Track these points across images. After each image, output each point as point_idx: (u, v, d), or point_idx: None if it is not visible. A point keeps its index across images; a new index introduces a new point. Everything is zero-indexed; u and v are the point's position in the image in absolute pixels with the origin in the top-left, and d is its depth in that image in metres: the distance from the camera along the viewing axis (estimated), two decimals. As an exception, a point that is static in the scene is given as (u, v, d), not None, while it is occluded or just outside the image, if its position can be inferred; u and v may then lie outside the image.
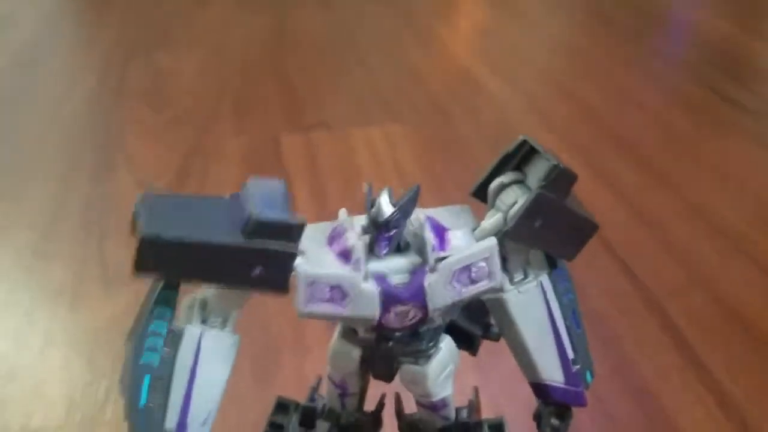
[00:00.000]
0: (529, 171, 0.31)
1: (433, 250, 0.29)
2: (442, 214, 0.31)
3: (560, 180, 0.30)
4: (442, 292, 0.29)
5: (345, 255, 0.29)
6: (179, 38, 1.36)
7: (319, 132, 0.99)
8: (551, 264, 0.33)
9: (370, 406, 0.37)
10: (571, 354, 0.33)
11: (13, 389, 0.57)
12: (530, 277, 0.32)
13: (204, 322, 0.29)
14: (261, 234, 0.27)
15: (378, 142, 0.96)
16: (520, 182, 0.31)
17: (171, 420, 0.28)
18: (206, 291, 0.30)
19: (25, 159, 0.94)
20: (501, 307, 0.32)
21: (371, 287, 0.28)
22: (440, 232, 0.30)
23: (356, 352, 0.32)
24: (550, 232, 0.30)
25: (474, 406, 0.36)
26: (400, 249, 0.29)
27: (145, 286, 0.30)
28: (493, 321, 0.35)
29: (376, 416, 0.36)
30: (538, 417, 0.35)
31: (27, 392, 0.56)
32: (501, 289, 0.31)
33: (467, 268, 0.29)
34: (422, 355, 0.32)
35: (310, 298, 0.28)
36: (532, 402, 0.35)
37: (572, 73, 1.23)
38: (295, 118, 1.03)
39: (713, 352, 0.60)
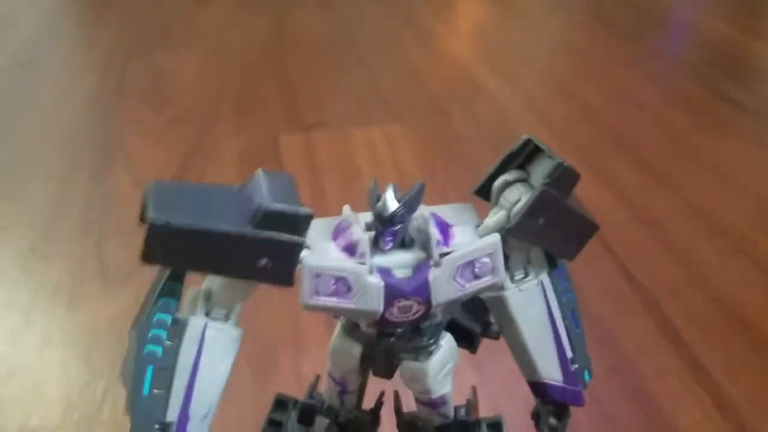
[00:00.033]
0: (532, 170, 0.31)
1: (438, 245, 0.29)
2: (445, 211, 0.32)
3: (564, 178, 0.30)
4: (446, 287, 0.29)
5: (350, 249, 0.29)
6: (179, 38, 1.36)
7: (318, 132, 0.99)
8: (551, 263, 0.33)
9: (369, 403, 0.37)
10: (569, 353, 0.33)
11: (11, 389, 0.57)
12: (531, 276, 0.32)
13: (208, 314, 0.30)
14: (269, 224, 0.27)
15: (377, 141, 0.96)
16: (523, 180, 0.31)
17: (172, 412, 0.28)
18: (211, 283, 0.30)
19: (25, 159, 0.94)
20: (501, 304, 0.32)
21: (376, 281, 0.28)
22: (444, 228, 0.30)
23: (357, 349, 0.32)
24: (553, 231, 0.31)
25: (472, 405, 0.36)
26: (404, 244, 0.30)
27: (145, 286, 0.30)
28: (492, 319, 0.35)
29: (375, 414, 0.36)
30: (536, 416, 0.35)
31: (25, 392, 0.56)
32: (502, 287, 0.31)
33: (471, 264, 0.29)
34: (423, 352, 0.32)
35: (315, 290, 0.28)
36: (530, 401, 0.35)
37: (572, 73, 1.23)
38: (294, 118, 1.03)
39: (712, 352, 0.60)
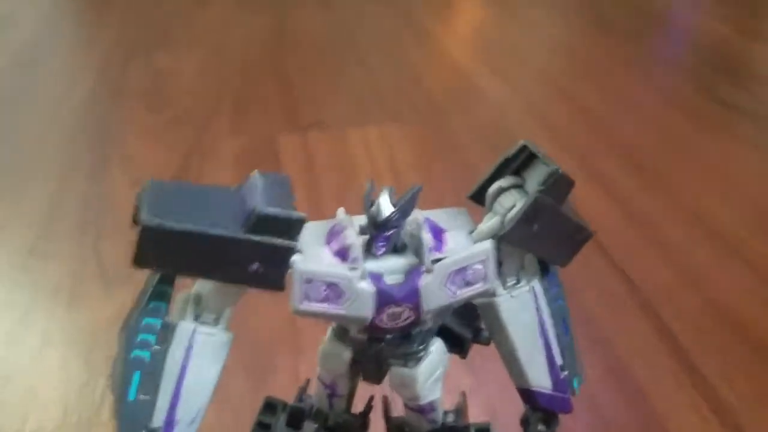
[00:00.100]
0: (527, 176, 0.31)
1: (430, 251, 0.29)
2: (439, 215, 0.32)
3: (558, 185, 0.30)
4: (437, 294, 0.29)
5: (342, 253, 0.29)
6: (179, 38, 1.36)
7: (316, 132, 0.99)
8: (544, 269, 0.33)
9: (358, 407, 0.37)
10: (559, 360, 0.33)
11: (9, 390, 0.56)
12: (523, 282, 0.32)
13: (197, 318, 0.29)
14: (262, 228, 0.27)
15: (375, 142, 0.96)
16: (518, 187, 0.31)
17: (158, 418, 0.28)
18: (201, 287, 0.30)
19: (24, 159, 0.94)
20: (492, 311, 0.32)
21: (367, 287, 0.28)
22: (437, 233, 0.30)
23: (347, 354, 0.32)
24: (547, 237, 0.31)
25: (461, 410, 0.36)
26: (396, 249, 0.30)
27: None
28: (483, 325, 0.36)
29: (364, 418, 0.36)
30: (525, 422, 0.35)
31: (23, 393, 0.56)
32: (494, 294, 0.31)
33: (463, 270, 0.29)
34: (412, 358, 0.32)
35: (305, 295, 0.28)
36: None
37: (571, 74, 1.23)
38: (293, 118, 1.04)
39: (708, 355, 0.60)
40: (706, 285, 0.69)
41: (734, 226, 0.79)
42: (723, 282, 0.70)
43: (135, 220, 0.26)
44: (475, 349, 0.37)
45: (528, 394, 0.34)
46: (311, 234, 0.30)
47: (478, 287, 0.30)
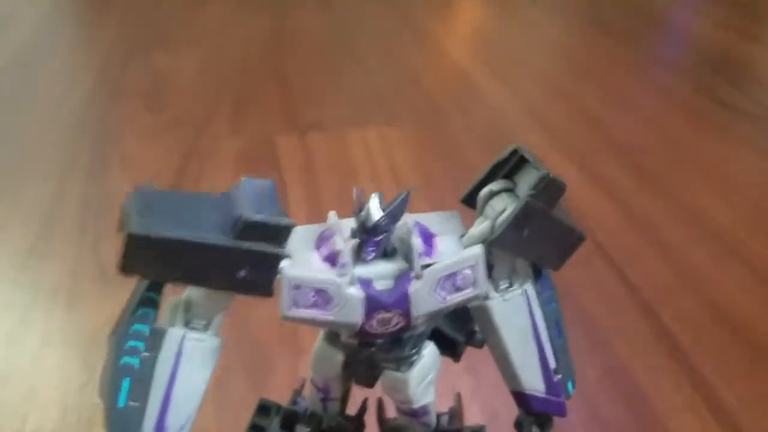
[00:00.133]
0: (519, 180, 0.31)
1: (420, 256, 0.29)
2: (430, 219, 0.31)
3: (549, 190, 0.30)
4: (427, 299, 0.29)
5: (332, 259, 0.29)
6: (178, 39, 1.36)
7: (315, 133, 0.99)
8: (536, 273, 0.33)
9: (352, 410, 0.37)
10: (553, 363, 0.33)
11: (8, 391, 0.56)
12: (515, 286, 0.32)
13: (187, 324, 0.29)
14: (249, 234, 0.27)
15: (374, 143, 0.96)
16: (509, 191, 0.31)
17: (148, 424, 0.28)
18: (191, 292, 0.30)
19: (24, 159, 0.94)
20: (485, 314, 0.32)
21: (356, 293, 0.28)
22: (428, 238, 0.30)
23: (339, 357, 0.32)
24: (538, 242, 0.31)
25: (456, 414, 0.36)
26: (386, 254, 0.29)
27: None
28: (477, 327, 0.36)
29: (358, 421, 0.36)
30: (518, 425, 0.35)
31: (22, 394, 0.56)
32: (486, 297, 0.31)
33: (452, 276, 0.29)
34: (404, 362, 0.32)
35: (294, 301, 0.28)
36: (523, 407, 0.35)
37: (570, 74, 1.23)
38: (291, 119, 1.04)
39: (706, 356, 0.60)
40: (705, 285, 0.69)
41: (733, 226, 0.79)
42: (722, 282, 0.70)
43: (120, 228, 0.26)
44: (475, 351, 0.37)
45: (522, 398, 0.34)
46: (301, 239, 0.29)
47: (467, 293, 0.30)
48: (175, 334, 0.29)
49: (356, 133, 0.99)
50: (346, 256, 0.28)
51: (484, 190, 0.31)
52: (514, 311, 0.32)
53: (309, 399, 0.35)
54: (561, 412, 0.34)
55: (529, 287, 0.33)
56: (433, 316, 0.30)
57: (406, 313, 0.29)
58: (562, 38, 1.45)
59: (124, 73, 1.20)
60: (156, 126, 1.02)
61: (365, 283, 0.28)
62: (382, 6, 1.55)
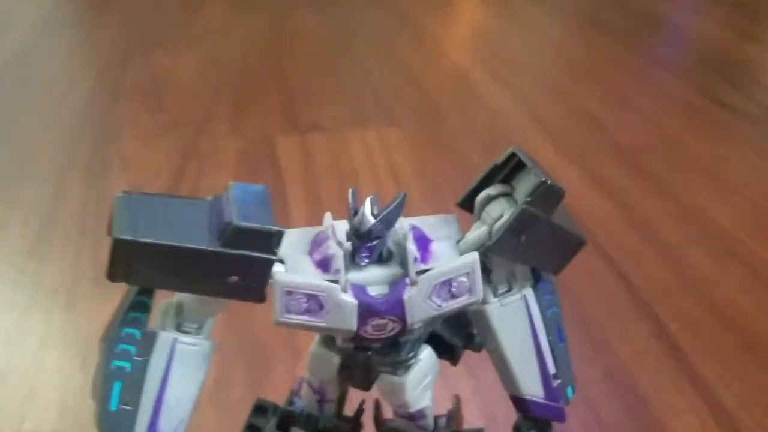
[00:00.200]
0: (517, 184, 0.30)
1: (415, 261, 0.28)
2: (427, 223, 0.31)
3: (547, 196, 0.29)
4: (422, 306, 0.28)
5: (324, 264, 0.28)
6: (178, 39, 1.36)
7: (314, 134, 0.99)
8: (536, 277, 0.33)
9: (349, 411, 0.37)
10: (552, 369, 0.33)
11: (5, 392, 0.56)
12: (514, 290, 0.32)
13: (179, 327, 0.29)
14: (239, 241, 0.26)
15: (373, 144, 0.96)
16: (507, 195, 0.30)
17: (140, 428, 0.28)
18: (182, 296, 0.29)
19: (24, 159, 0.94)
20: (483, 319, 0.32)
21: (349, 299, 0.28)
22: (424, 243, 0.30)
23: (335, 360, 0.32)
24: (535, 247, 0.30)
25: (454, 416, 0.36)
26: (382, 258, 0.29)
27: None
28: (476, 331, 0.35)
29: (355, 422, 0.36)
30: (517, 430, 0.35)
31: (20, 396, 0.56)
32: (484, 301, 0.31)
33: (448, 283, 0.29)
34: (401, 366, 0.32)
35: (286, 307, 0.28)
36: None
37: (570, 75, 1.23)
38: (290, 120, 1.03)
39: (706, 357, 0.60)
40: (705, 286, 0.69)
41: (733, 226, 0.78)
42: (722, 283, 0.70)
43: (110, 233, 0.26)
44: (474, 353, 0.37)
45: (520, 403, 0.33)
46: (294, 243, 0.29)
47: (463, 300, 0.29)
48: (166, 337, 0.29)
49: (356, 134, 0.99)
50: (339, 262, 0.28)
51: (482, 195, 0.31)
52: (513, 316, 0.32)
53: (305, 400, 0.35)
54: (560, 417, 0.34)
55: (529, 292, 0.32)
56: (429, 321, 0.30)
57: (401, 319, 0.29)
58: (561, 38, 1.45)
59: (124, 74, 1.20)
60: (156, 126, 1.02)
61: (359, 289, 0.28)
62: (381, 6, 1.55)
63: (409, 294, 0.28)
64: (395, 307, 0.28)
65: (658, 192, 0.85)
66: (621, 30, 1.43)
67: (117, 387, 0.28)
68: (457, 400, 0.37)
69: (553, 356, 0.33)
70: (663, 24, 1.54)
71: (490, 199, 0.31)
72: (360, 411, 0.37)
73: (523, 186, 0.30)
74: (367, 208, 0.28)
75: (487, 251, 0.29)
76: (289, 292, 0.27)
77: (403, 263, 0.29)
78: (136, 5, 1.56)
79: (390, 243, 0.29)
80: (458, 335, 0.35)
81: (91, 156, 0.94)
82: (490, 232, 0.30)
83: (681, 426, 0.54)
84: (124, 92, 1.13)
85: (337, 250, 0.28)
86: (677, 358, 0.60)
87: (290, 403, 0.36)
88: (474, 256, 0.29)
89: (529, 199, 0.29)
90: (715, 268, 0.72)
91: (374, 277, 0.29)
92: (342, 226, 0.29)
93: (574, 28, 1.50)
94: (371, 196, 0.28)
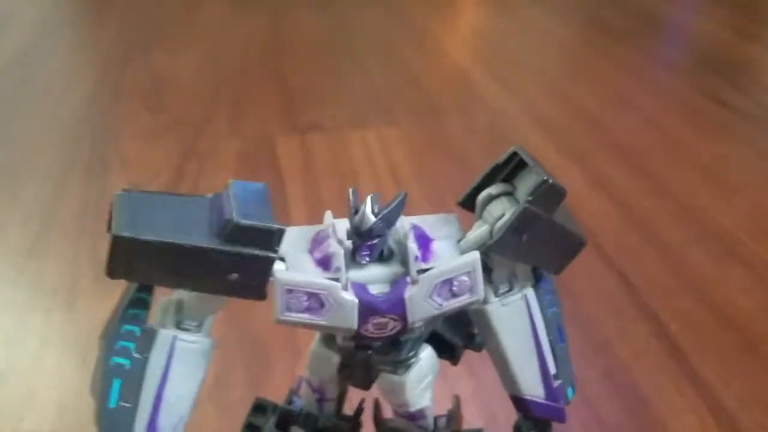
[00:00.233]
0: (518, 183, 0.30)
1: (416, 260, 0.28)
2: (428, 222, 0.31)
3: (548, 195, 0.29)
4: (423, 305, 0.28)
5: (325, 262, 0.28)
6: (178, 39, 1.36)
7: (314, 134, 0.99)
8: (537, 277, 0.33)
9: (348, 410, 0.37)
10: (553, 369, 0.33)
11: (6, 391, 0.56)
12: (515, 290, 0.32)
13: (178, 325, 0.29)
14: (240, 239, 0.26)
15: (373, 144, 0.96)
16: (508, 194, 0.30)
17: (139, 425, 0.28)
18: (182, 293, 0.29)
19: (23, 159, 0.94)
20: (484, 318, 0.32)
21: (349, 298, 0.28)
22: (425, 242, 0.29)
23: (335, 359, 0.32)
24: (537, 247, 0.30)
25: (453, 416, 0.36)
26: (382, 257, 0.29)
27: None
28: (476, 330, 0.35)
29: (355, 421, 0.36)
30: (517, 430, 0.34)
31: (19, 395, 0.56)
32: (485, 301, 0.31)
33: (449, 282, 0.28)
34: (401, 365, 0.32)
35: (287, 306, 0.28)
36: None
37: (570, 75, 1.23)
38: (290, 120, 1.03)
39: (706, 357, 0.60)
40: (704, 287, 0.69)
41: (733, 227, 0.78)
42: (722, 283, 0.69)
43: (109, 230, 0.26)
44: (474, 353, 0.36)
45: (521, 403, 0.33)
46: (294, 241, 0.29)
47: (464, 299, 0.29)
48: (166, 335, 0.29)
49: (356, 134, 0.99)
50: (340, 260, 0.28)
51: (483, 194, 0.31)
52: (514, 316, 0.32)
53: (305, 399, 0.35)
54: (560, 417, 0.34)
55: (530, 292, 0.32)
56: (430, 320, 0.30)
57: (402, 318, 0.28)
58: (562, 38, 1.45)
59: (124, 73, 1.20)
60: (155, 126, 1.02)
61: (359, 287, 0.28)
62: (381, 6, 1.55)
63: (410, 293, 0.28)
64: (396, 306, 0.28)
65: (658, 192, 0.85)
66: (621, 30, 1.43)
67: (116, 384, 0.27)
68: (457, 401, 0.37)
69: (554, 356, 0.33)
70: (663, 24, 1.54)
71: (491, 198, 0.30)
72: (359, 410, 0.37)
73: (525, 185, 0.30)
74: (368, 206, 0.28)
75: (488, 250, 0.29)
76: (290, 291, 0.27)
77: (404, 262, 0.29)
78: (136, 5, 1.56)
79: (390, 242, 0.29)
80: (459, 334, 0.35)
81: (91, 156, 0.94)
82: (491, 231, 0.30)
83: (681, 426, 0.54)
84: (124, 92, 1.13)
85: (337, 248, 0.28)
86: (677, 358, 0.60)
87: (289, 402, 0.36)
88: (475, 255, 0.29)
89: (530, 198, 0.29)
90: (715, 268, 0.72)
91: (375, 276, 0.29)
92: (342, 225, 0.29)
93: (575, 28, 1.50)
94: (372, 195, 0.28)
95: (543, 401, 0.33)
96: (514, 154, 0.30)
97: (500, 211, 0.30)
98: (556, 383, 0.33)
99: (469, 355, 0.36)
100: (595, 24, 1.48)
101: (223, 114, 1.05)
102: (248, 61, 1.26)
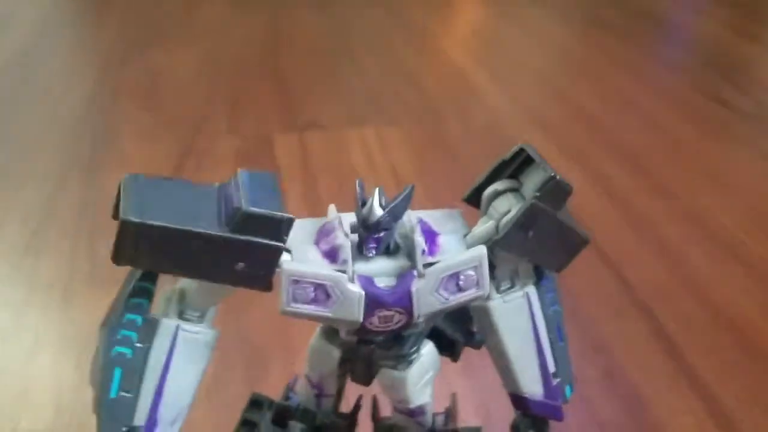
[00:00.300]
0: (524, 180, 0.30)
1: (423, 254, 0.28)
2: (433, 216, 0.31)
3: (555, 191, 0.29)
4: (429, 299, 0.28)
5: (332, 254, 0.28)
6: (177, 38, 1.36)
7: (312, 132, 0.99)
8: (539, 274, 0.33)
9: (345, 408, 0.36)
10: (552, 367, 0.33)
11: (1, 391, 0.56)
12: (517, 287, 0.32)
13: (181, 315, 0.29)
14: (248, 227, 0.26)
15: (371, 143, 0.96)
16: (514, 190, 0.30)
17: (140, 416, 0.28)
18: (186, 283, 0.29)
19: (23, 157, 0.94)
20: (485, 315, 0.32)
21: (356, 290, 0.27)
22: (431, 236, 0.29)
23: (336, 353, 0.32)
24: (542, 243, 0.30)
25: (451, 414, 0.36)
26: (389, 250, 0.29)
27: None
28: (476, 328, 0.35)
29: (352, 418, 0.36)
30: (515, 428, 0.34)
31: (14, 394, 0.55)
32: (487, 297, 0.31)
33: (455, 276, 0.28)
34: (403, 360, 0.31)
35: (293, 297, 0.27)
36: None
37: (569, 75, 1.23)
38: (289, 119, 1.03)
39: (705, 358, 0.60)
40: (703, 287, 0.69)
41: (733, 227, 0.78)
42: (720, 284, 0.69)
43: (115, 216, 0.25)
44: (471, 352, 0.36)
45: (519, 400, 0.33)
46: (300, 232, 0.29)
47: (470, 293, 0.29)
48: (168, 325, 0.28)
49: (354, 133, 0.98)
50: (347, 252, 0.28)
51: (489, 190, 0.31)
52: (515, 313, 0.32)
53: (303, 395, 0.35)
54: (558, 416, 0.34)
55: (531, 289, 0.32)
56: (433, 315, 0.29)
57: (408, 312, 0.28)
58: (561, 38, 1.45)
59: (123, 73, 1.20)
60: (154, 125, 1.02)
61: (366, 280, 0.28)
62: (381, 6, 1.55)
63: (416, 286, 0.28)
64: (402, 299, 0.28)
65: (657, 192, 0.85)
66: (621, 30, 1.43)
67: (117, 374, 0.27)
68: (454, 399, 0.37)
69: (553, 355, 0.33)
70: (663, 24, 1.54)
71: (497, 194, 0.30)
72: (357, 407, 0.36)
73: (531, 181, 0.30)
74: (375, 199, 0.28)
75: (494, 246, 0.29)
76: (296, 281, 0.27)
77: (410, 256, 0.28)
78: (136, 5, 1.56)
79: (397, 236, 0.29)
80: (459, 330, 0.35)
81: (90, 154, 0.94)
82: (497, 227, 0.29)
83: (679, 426, 0.54)
84: (123, 92, 1.13)
85: (344, 240, 0.28)
86: (675, 358, 0.60)
87: (286, 398, 0.36)
88: (482, 250, 0.29)
89: (538, 194, 0.29)
90: (714, 268, 0.72)
91: (382, 269, 0.28)
92: (348, 219, 0.29)
93: (574, 27, 1.50)
94: (379, 188, 0.28)
95: (541, 399, 0.33)
96: (521, 150, 0.30)
97: (506, 207, 0.30)
98: (555, 381, 0.33)
99: (466, 354, 0.36)
100: (595, 24, 1.48)
101: (222, 113, 1.05)
102: (247, 60, 1.26)
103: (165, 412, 0.28)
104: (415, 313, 0.28)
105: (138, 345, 0.27)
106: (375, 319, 0.28)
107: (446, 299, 0.29)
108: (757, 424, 0.54)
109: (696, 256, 0.73)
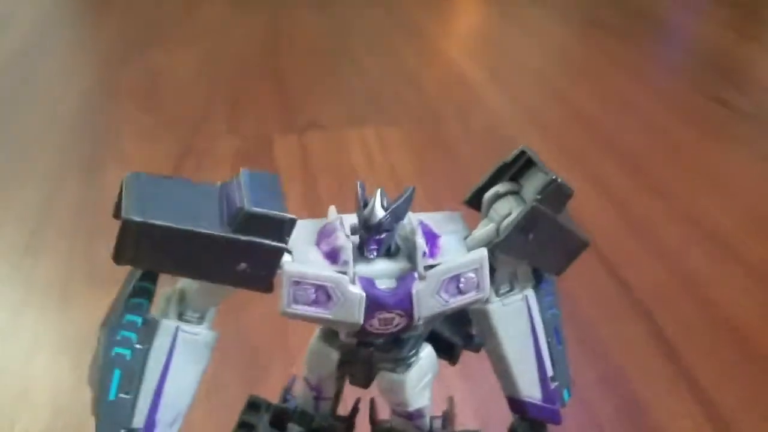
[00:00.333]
0: (525, 182, 0.30)
1: (424, 256, 0.28)
2: (434, 219, 0.31)
3: (556, 194, 0.29)
4: (429, 301, 0.28)
5: (333, 255, 0.28)
6: (176, 38, 1.36)
7: (312, 133, 0.99)
8: (538, 278, 0.33)
9: (342, 411, 0.36)
10: (550, 371, 0.33)
11: (-2, 391, 0.57)
12: (516, 290, 0.32)
13: (181, 316, 0.29)
14: (250, 227, 0.26)
15: (371, 143, 0.96)
16: (515, 193, 0.30)
17: (139, 418, 0.27)
18: (186, 283, 0.29)
19: (22, 157, 0.93)
20: (484, 318, 0.32)
21: (357, 291, 0.27)
22: (432, 238, 0.29)
23: (334, 356, 0.32)
24: (542, 246, 0.30)
25: (449, 417, 0.36)
26: (389, 252, 0.29)
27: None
28: (474, 331, 0.35)
29: (350, 421, 0.36)
30: (512, 431, 0.34)
31: (11, 395, 0.55)
32: (486, 300, 0.31)
33: (456, 278, 0.28)
34: (401, 363, 0.31)
35: (294, 298, 0.27)
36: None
37: (569, 76, 1.23)
38: (288, 119, 1.03)
39: (703, 361, 0.60)
40: (701, 289, 0.69)
41: (731, 229, 0.78)
42: (719, 286, 0.69)
43: (116, 215, 0.25)
44: (469, 355, 0.36)
45: (517, 404, 0.33)
46: (301, 234, 0.29)
47: (470, 296, 0.29)
48: (168, 326, 0.28)
49: (354, 133, 0.98)
50: (348, 253, 0.28)
51: (490, 192, 0.31)
52: (514, 316, 0.32)
53: (301, 397, 0.35)
54: (556, 419, 0.34)
55: (530, 293, 0.32)
56: (434, 317, 0.29)
57: (409, 314, 0.28)
58: (561, 39, 1.45)
59: (123, 73, 1.20)
60: (153, 125, 1.01)
61: (367, 281, 0.28)
62: (380, 6, 1.55)
63: (417, 288, 0.28)
64: (403, 301, 0.28)
65: (656, 193, 0.85)
66: (621, 30, 1.43)
67: (117, 375, 0.27)
68: (452, 402, 0.37)
69: (551, 358, 0.33)
70: (663, 24, 1.54)
71: (498, 197, 0.30)
72: (355, 410, 0.36)
73: (532, 184, 0.30)
74: (377, 200, 0.27)
75: (494, 248, 0.29)
76: (297, 282, 0.27)
77: (411, 258, 0.28)
78: (136, 5, 1.56)
79: (397, 237, 0.29)
80: (458, 334, 0.35)
81: (89, 155, 0.93)
82: (498, 230, 0.30)
83: (678, 430, 0.53)
84: (122, 92, 1.13)
85: (345, 241, 0.28)
86: (674, 361, 0.60)
87: (284, 400, 0.36)
88: (483, 252, 0.29)
89: (539, 197, 0.29)
90: (714, 269, 0.72)
91: (382, 271, 0.28)
92: (348, 220, 0.29)
93: (574, 28, 1.50)
94: (380, 189, 0.28)
95: (539, 403, 0.33)
96: (522, 153, 0.30)
97: (507, 210, 0.30)
98: (553, 385, 0.33)
99: (464, 357, 0.36)
100: (594, 24, 1.48)
101: (221, 113, 1.05)
102: (247, 60, 1.26)
103: (164, 414, 0.28)
104: (416, 315, 0.28)
105: (137, 346, 0.27)
106: (375, 321, 0.28)
107: (446, 302, 0.29)
108: (756, 427, 0.54)
109: (695, 257, 0.73)
